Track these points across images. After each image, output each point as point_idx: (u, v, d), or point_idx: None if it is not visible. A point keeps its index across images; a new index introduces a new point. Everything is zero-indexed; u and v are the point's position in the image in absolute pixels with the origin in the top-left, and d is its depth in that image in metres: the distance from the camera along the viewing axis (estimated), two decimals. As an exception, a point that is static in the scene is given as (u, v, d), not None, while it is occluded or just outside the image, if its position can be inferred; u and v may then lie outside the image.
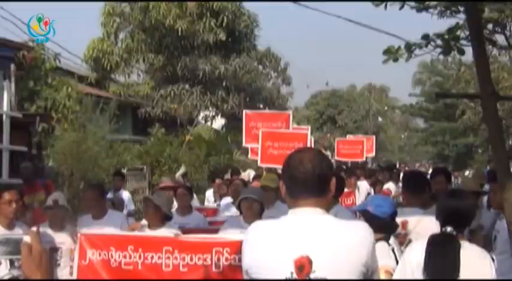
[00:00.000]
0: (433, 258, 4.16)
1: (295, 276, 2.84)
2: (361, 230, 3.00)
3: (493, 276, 4.20)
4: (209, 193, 13.76)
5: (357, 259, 2.88)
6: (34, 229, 6.84)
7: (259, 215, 6.47)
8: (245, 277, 3.05)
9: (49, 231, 7.01)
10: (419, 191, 6.48)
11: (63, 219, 7.41)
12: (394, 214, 5.29)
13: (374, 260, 2.99)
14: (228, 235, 6.65)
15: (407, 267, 4.32)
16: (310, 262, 2.83)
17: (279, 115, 17.40)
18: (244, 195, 6.85)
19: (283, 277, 2.85)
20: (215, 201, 12.63)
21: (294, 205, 3.05)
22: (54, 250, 6.96)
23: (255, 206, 6.61)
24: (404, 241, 5.74)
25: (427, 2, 5.57)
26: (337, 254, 2.86)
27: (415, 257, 4.25)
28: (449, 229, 4.27)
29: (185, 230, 7.32)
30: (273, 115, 17.60)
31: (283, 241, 2.93)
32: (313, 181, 3.00)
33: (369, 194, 13.11)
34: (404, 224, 5.92)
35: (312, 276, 2.83)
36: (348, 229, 2.99)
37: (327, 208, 3.06)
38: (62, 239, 7.09)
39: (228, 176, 15.08)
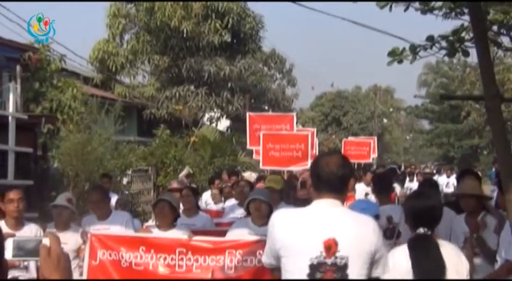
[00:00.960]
0: (419, 261, 4.19)
1: (324, 255, 3.50)
2: (372, 221, 3.76)
3: (468, 271, 4.34)
4: (207, 196, 13.46)
5: (370, 243, 3.58)
6: (53, 230, 6.91)
7: (267, 217, 6.48)
8: (268, 259, 3.81)
9: (53, 231, 7.03)
10: (387, 190, 7.92)
11: (68, 219, 7.44)
12: (377, 217, 5.74)
13: (382, 247, 3.70)
14: (237, 236, 6.67)
15: (397, 277, 4.33)
16: (336, 243, 3.49)
17: (283, 117, 17.42)
18: (253, 196, 6.89)
19: (314, 255, 3.49)
20: (215, 203, 12.52)
21: (318, 198, 3.73)
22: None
23: (264, 207, 6.63)
24: (393, 235, 6.41)
25: (432, 4, 5.57)
26: (356, 238, 3.56)
27: (401, 265, 4.23)
28: (422, 230, 4.28)
29: (192, 232, 7.33)
30: (276, 117, 17.60)
31: (311, 225, 3.61)
32: (335, 180, 3.67)
33: (367, 194, 13.09)
34: (390, 220, 6.84)
35: (338, 255, 3.50)
36: (362, 219, 3.73)
37: (343, 203, 3.81)
38: (65, 239, 7.11)
39: (225, 177, 14.92)
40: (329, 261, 3.49)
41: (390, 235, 6.64)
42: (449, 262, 4.18)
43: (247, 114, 16.96)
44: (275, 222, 3.72)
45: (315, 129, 21.67)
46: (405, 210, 4.57)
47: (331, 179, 3.67)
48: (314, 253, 3.50)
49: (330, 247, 3.49)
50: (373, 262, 3.62)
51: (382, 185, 7.92)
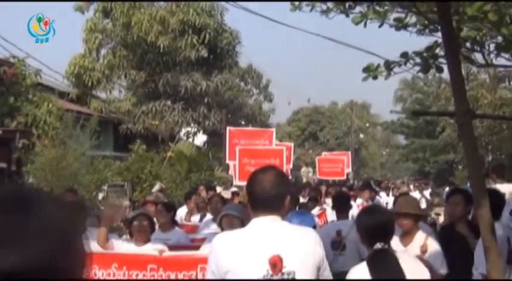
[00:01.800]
0: (380, 276, 4.18)
1: (270, 273, 3.43)
2: (313, 232, 3.79)
3: (429, 278, 4.40)
4: (182, 211, 13.27)
5: (314, 255, 3.56)
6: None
7: None
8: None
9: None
10: (345, 207, 9.00)
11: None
12: (315, 228, 6.13)
13: (325, 257, 3.66)
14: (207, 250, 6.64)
15: None
16: (281, 259, 3.42)
17: (262, 132, 17.44)
18: (225, 212, 6.87)
19: (261, 274, 3.42)
20: (190, 219, 12.46)
21: (255, 216, 3.65)
22: None
23: (236, 222, 6.60)
24: (339, 247, 7.78)
25: (406, 20, 5.62)
26: (300, 251, 3.51)
27: None
28: (379, 244, 4.28)
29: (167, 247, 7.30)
30: (256, 132, 17.62)
31: (254, 244, 3.52)
32: (270, 199, 3.58)
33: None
34: (339, 233, 7.92)
35: (284, 271, 3.44)
36: (304, 231, 3.73)
37: (282, 218, 3.70)
38: None
39: (203, 192, 14.84)
40: (276, 278, 3.44)
41: (336, 246, 7.88)
42: (409, 273, 4.18)
43: (227, 128, 16.95)
44: (217, 248, 3.61)
45: (292, 144, 21.69)
46: (359, 228, 4.56)
47: (266, 198, 3.59)
48: (261, 272, 3.44)
49: (276, 264, 3.43)
50: (319, 273, 3.60)
51: (341, 202, 9.10)
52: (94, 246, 7.31)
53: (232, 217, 6.66)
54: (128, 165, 21.54)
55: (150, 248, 6.85)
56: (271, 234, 3.54)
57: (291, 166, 18.74)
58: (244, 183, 13.87)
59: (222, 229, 6.88)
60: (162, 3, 30.39)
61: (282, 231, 3.60)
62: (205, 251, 6.76)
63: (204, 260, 6.35)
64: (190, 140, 30.61)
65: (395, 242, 6.36)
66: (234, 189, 15.71)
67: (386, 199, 20.89)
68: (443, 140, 43.75)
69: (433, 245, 6.23)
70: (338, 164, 23.96)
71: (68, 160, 15.80)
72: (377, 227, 4.34)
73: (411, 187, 27.37)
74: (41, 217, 1.24)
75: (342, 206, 8.95)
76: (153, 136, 27.84)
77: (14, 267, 1.16)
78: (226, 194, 13.44)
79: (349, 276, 4.22)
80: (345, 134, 65.46)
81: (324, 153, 31.88)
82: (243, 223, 6.62)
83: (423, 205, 21.31)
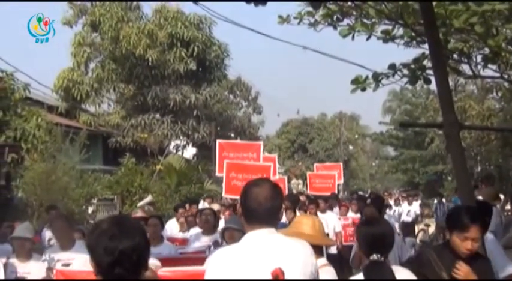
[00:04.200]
0: None
1: None
2: (307, 244, 3.72)
3: None
4: (171, 224, 13.22)
5: (311, 265, 3.58)
6: (15, 260, 6.81)
7: None
8: None
9: (15, 261, 6.96)
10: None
11: (30, 249, 7.37)
12: None
13: (317, 268, 3.70)
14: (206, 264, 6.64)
15: None
16: (282, 272, 3.39)
17: (250, 145, 17.52)
18: (226, 225, 6.94)
19: None
20: (181, 231, 12.45)
21: (250, 229, 3.65)
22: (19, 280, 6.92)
23: (237, 235, 6.61)
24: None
25: (393, 33, 5.67)
26: (298, 262, 3.51)
27: None
28: (375, 256, 4.29)
29: (163, 260, 7.27)
30: (244, 145, 17.70)
31: (255, 258, 3.49)
32: (265, 213, 3.60)
33: None
34: None
35: None
36: (301, 243, 3.69)
37: (276, 229, 3.71)
38: (27, 269, 7.05)
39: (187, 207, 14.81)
40: None
41: None
42: None
43: (217, 141, 16.99)
44: (218, 263, 3.59)
45: (276, 156, 21.75)
46: (358, 237, 4.59)
47: (262, 211, 3.60)
48: None
49: (278, 276, 3.42)
50: None
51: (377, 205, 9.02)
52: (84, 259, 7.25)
53: (233, 230, 6.67)
54: (117, 178, 21.48)
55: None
56: (270, 247, 3.55)
57: (277, 177, 18.81)
58: (230, 196, 13.96)
59: (226, 242, 6.94)
60: (150, 16, 30.47)
61: (280, 243, 3.59)
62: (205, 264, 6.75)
63: (198, 275, 6.36)
64: (180, 153, 30.58)
65: None
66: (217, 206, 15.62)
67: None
68: (432, 151, 43.91)
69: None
70: (329, 180, 24.02)
71: (58, 173, 15.76)
72: (375, 238, 4.36)
73: (399, 198, 27.32)
74: (134, 226, 2.97)
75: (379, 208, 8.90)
76: (143, 149, 27.79)
77: (126, 247, 2.82)
78: (216, 207, 13.42)
79: None
80: (334, 146, 65.46)
81: (316, 164, 31.82)
82: (244, 235, 6.63)
83: (410, 218, 21.35)
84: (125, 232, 2.87)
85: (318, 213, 13.07)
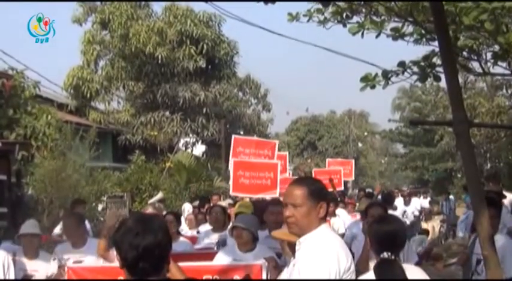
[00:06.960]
0: None
1: None
2: None
3: None
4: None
5: None
6: (23, 257, 6.83)
7: (250, 243, 6.50)
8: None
9: (23, 259, 6.98)
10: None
11: (38, 246, 7.38)
12: None
13: None
14: (219, 261, 6.65)
15: None
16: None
17: (266, 143, 17.48)
18: (234, 224, 6.92)
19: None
20: (190, 228, 12.51)
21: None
22: (27, 277, 6.94)
23: (245, 234, 6.60)
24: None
25: (402, 30, 5.66)
26: None
27: None
28: (386, 254, 4.30)
29: (172, 256, 7.27)
30: (260, 142, 17.65)
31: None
32: None
33: None
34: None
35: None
36: None
37: None
38: (35, 266, 7.06)
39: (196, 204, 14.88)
40: None
41: None
42: None
43: (233, 136, 16.94)
44: (335, 255, 3.71)
45: (287, 154, 21.72)
46: (369, 235, 4.59)
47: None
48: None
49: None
50: None
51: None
52: (95, 257, 7.27)
53: (241, 229, 6.66)
54: (127, 176, 21.55)
55: None
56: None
57: (290, 175, 18.76)
58: (237, 194, 13.98)
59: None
60: (159, 14, 30.51)
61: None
62: (220, 260, 6.75)
63: (209, 271, 6.37)
64: (189, 150, 30.64)
65: None
66: (229, 201, 15.68)
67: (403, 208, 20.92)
68: (442, 149, 43.83)
69: None
70: (335, 176, 23.83)
71: (68, 171, 15.80)
72: (386, 237, 4.36)
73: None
74: (157, 224, 3.17)
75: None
76: (152, 147, 27.87)
77: (149, 243, 3.06)
78: (224, 204, 13.45)
79: None
80: (344, 143, 65.49)
81: (328, 159, 31.64)
82: (252, 234, 6.63)
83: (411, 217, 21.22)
84: (148, 229, 3.10)
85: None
